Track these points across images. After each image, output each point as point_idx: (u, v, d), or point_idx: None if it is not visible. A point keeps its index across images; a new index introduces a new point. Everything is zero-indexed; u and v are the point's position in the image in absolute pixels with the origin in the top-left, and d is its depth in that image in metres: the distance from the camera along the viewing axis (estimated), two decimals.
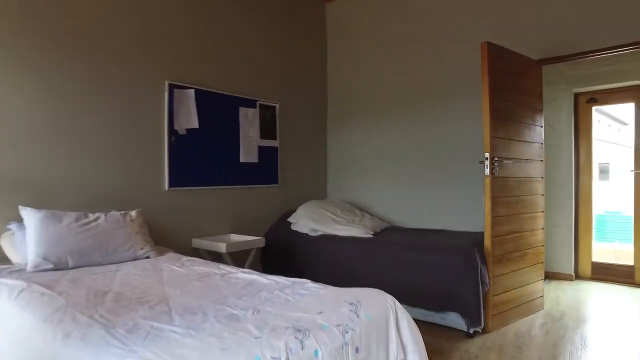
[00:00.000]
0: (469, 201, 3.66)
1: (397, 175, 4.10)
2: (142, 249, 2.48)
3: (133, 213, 2.65)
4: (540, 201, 3.31)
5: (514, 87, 3.05)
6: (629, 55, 3.72)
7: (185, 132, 3.17)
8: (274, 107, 3.94)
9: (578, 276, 4.22)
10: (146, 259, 2.44)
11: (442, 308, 2.78)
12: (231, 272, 2.08)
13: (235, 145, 3.56)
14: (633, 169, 4.16)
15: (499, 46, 2.95)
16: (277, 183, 3.96)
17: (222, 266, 2.24)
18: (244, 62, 3.69)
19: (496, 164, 2.87)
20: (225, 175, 3.47)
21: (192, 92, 3.20)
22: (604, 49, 3.16)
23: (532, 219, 3.21)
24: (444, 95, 3.82)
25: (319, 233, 3.58)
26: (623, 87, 4.17)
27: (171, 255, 2.56)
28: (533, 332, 2.77)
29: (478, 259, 2.72)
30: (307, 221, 3.63)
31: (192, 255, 2.70)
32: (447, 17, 3.83)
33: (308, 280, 1.89)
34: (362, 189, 4.32)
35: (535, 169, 3.26)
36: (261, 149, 3.79)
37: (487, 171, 2.85)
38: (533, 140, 3.23)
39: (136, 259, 2.42)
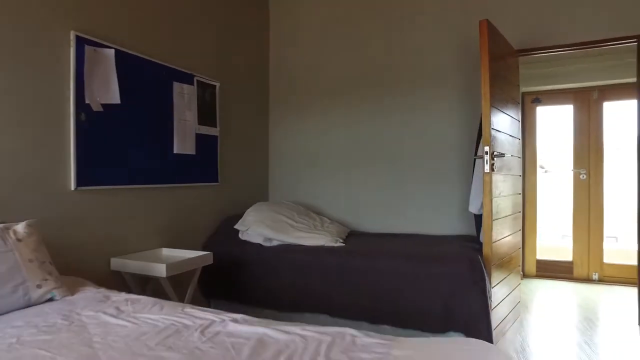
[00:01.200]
0: (442, 202, 3.35)
1: (356, 173, 3.60)
2: (39, 286, 1.56)
3: (20, 227, 1.69)
4: (519, 200, 3.11)
5: (502, 75, 2.77)
6: (569, 58, 3.78)
7: (101, 109, 2.23)
8: (214, 86, 3.13)
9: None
10: (49, 303, 1.53)
11: (445, 329, 2.34)
12: (214, 322, 1.32)
13: (168, 131, 2.69)
14: (572, 168, 4.29)
15: (495, 27, 2.63)
16: (217, 181, 3.16)
17: (188, 309, 1.46)
18: (180, 23, 2.83)
19: (495, 159, 2.54)
20: (155, 170, 2.59)
21: (111, 52, 2.27)
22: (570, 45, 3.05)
23: (515, 220, 2.98)
24: (415, 82, 3.43)
25: (276, 243, 2.91)
26: (564, 89, 4.29)
27: (91, 291, 1.67)
28: (534, 342, 2.51)
29: (484, 269, 2.35)
30: (260, 228, 2.92)
31: (112, 282, 1.85)
32: None
33: (351, 329, 1.24)
34: (313, 190, 3.74)
35: (516, 166, 3.04)
36: (199, 138, 2.96)
37: (487, 167, 2.51)
38: (515, 135, 3.01)
39: (30, 305, 1.50)
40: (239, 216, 3.15)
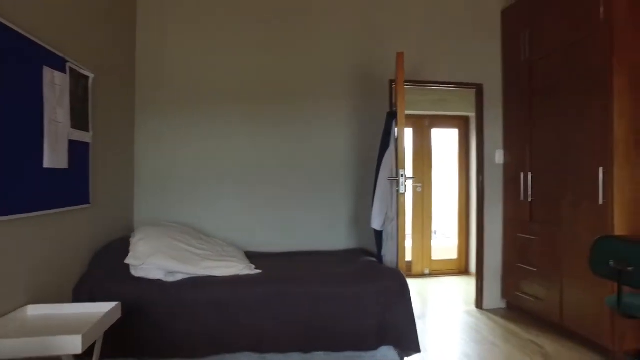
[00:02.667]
0: (332, 218, 3.44)
1: (244, 189, 3.34)
2: None
3: None
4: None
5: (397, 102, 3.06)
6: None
7: None
8: (87, 77, 2.40)
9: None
10: None
11: (378, 344, 2.42)
12: None
13: (35, 136, 1.91)
14: (412, 182, 5.06)
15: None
16: (88, 202, 2.42)
17: None
18: None
19: (406, 181, 2.78)
20: (17, 192, 1.79)
21: None
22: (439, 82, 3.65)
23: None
24: (305, 98, 3.42)
25: (180, 276, 2.43)
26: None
27: None
28: (458, 333, 2.87)
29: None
30: (161, 260, 2.38)
31: None
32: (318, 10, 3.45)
33: None
34: (193, 208, 3.27)
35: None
36: (72, 146, 2.21)
37: (402, 189, 2.73)
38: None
39: None
40: (113, 246, 2.50)
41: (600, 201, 2.58)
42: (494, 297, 3.67)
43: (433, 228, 5.13)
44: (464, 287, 4.47)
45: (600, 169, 2.58)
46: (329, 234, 3.45)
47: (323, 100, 3.43)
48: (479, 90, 3.68)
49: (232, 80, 3.32)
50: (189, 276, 2.43)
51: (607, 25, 2.56)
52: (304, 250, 3.38)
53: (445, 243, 5.20)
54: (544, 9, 3.15)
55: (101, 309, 1.86)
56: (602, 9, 2.60)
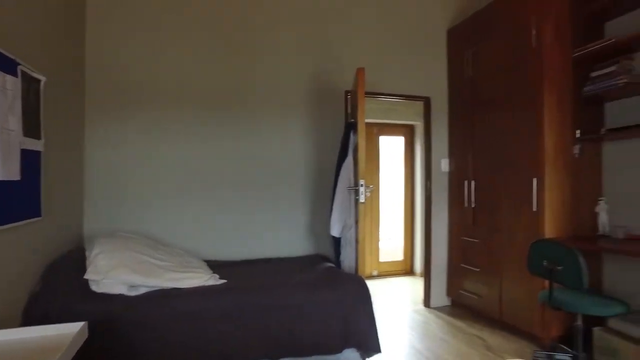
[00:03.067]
0: (290, 224, 3.51)
1: (199, 197, 3.30)
2: None
3: None
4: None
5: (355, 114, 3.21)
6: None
7: None
8: (39, 81, 2.26)
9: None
10: None
11: (342, 348, 2.53)
12: None
13: None
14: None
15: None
16: (39, 215, 2.28)
17: None
18: None
19: (366, 189, 2.93)
20: None
21: None
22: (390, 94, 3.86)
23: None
24: (265, 105, 3.46)
25: (144, 290, 2.38)
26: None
27: None
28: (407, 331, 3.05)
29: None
30: (124, 274, 2.31)
31: None
32: (269, 19, 3.49)
33: None
34: (144, 217, 3.18)
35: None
36: (23, 155, 2.09)
37: (363, 198, 2.87)
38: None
39: None
40: (66, 261, 2.39)
41: (534, 208, 2.90)
42: (440, 295, 3.95)
43: (381, 231, 5.37)
44: (410, 287, 4.74)
45: (534, 180, 2.90)
46: (287, 240, 3.51)
47: (281, 109, 3.49)
48: (427, 102, 3.94)
49: (187, 87, 3.27)
50: (152, 289, 2.38)
51: (538, 51, 2.89)
52: (264, 257, 3.41)
53: (392, 245, 5.46)
54: (484, 33, 3.47)
55: (64, 331, 1.76)
56: (533, 38, 2.93)
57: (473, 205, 3.57)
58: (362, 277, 2.72)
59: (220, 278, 2.66)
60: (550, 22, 2.89)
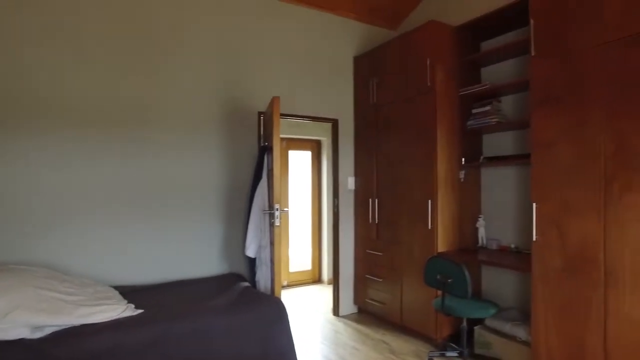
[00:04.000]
0: (202, 243, 3.50)
1: (106, 219, 3.13)
2: None
3: None
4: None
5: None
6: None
7: None
8: None
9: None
10: None
11: None
12: None
13: None
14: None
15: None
16: None
17: None
18: None
19: (280, 212, 3.07)
20: None
21: None
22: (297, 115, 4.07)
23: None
24: (180, 123, 3.40)
25: (49, 330, 2.22)
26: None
27: None
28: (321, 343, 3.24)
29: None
30: (24, 316, 2.12)
31: None
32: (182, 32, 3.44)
33: None
34: (42, 245, 2.92)
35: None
36: None
37: (277, 221, 3.00)
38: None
39: None
40: None
41: (429, 226, 3.34)
42: (348, 304, 4.27)
43: (290, 241, 5.56)
44: (319, 295, 5.01)
45: (429, 201, 3.34)
46: (202, 260, 3.49)
47: (194, 129, 3.46)
48: (335, 124, 4.23)
49: (92, 103, 3.07)
50: (60, 328, 2.23)
51: (432, 88, 3.33)
52: (179, 279, 3.35)
53: (300, 255, 5.68)
54: (387, 65, 3.85)
55: None
56: (429, 77, 3.37)
57: (376, 221, 3.95)
58: (279, 298, 2.85)
59: (136, 307, 2.58)
60: (442, 64, 3.35)
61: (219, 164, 3.57)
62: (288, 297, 4.94)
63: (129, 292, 2.91)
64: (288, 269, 5.51)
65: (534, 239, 2.57)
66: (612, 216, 2.20)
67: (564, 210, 2.42)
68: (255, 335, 2.59)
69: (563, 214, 2.43)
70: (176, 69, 3.39)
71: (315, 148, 5.77)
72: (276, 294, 2.95)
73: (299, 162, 5.67)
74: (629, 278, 2.13)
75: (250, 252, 3.29)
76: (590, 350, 2.29)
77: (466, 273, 2.67)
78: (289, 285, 5.48)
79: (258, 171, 3.40)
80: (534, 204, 2.57)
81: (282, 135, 5.35)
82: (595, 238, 2.27)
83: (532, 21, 2.60)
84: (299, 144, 5.63)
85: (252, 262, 3.44)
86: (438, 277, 2.87)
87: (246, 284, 3.22)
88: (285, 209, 3.30)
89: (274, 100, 3.00)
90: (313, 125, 5.41)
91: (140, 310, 2.54)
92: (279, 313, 2.72)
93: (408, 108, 3.59)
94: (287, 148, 5.53)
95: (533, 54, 2.59)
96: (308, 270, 5.68)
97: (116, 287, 2.98)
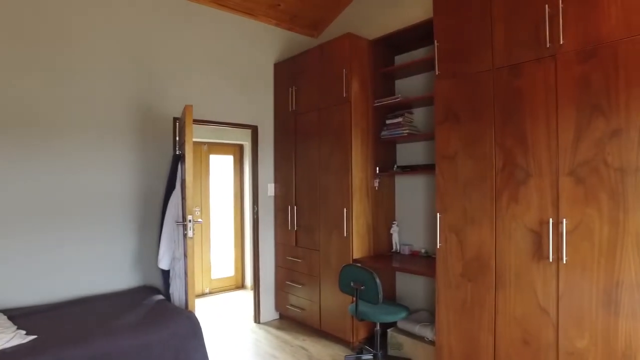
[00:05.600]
0: (113, 257, 3.28)
1: None
2: None
3: None
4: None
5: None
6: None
7: None
8: None
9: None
10: None
11: None
12: None
13: None
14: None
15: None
16: None
17: None
18: None
19: (194, 223, 2.97)
20: None
21: None
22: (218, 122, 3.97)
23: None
24: (89, 129, 3.14)
25: None
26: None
27: None
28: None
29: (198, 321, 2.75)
30: None
31: None
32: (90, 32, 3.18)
33: None
34: None
35: None
36: None
37: (191, 233, 2.90)
38: None
39: None
40: None
41: (345, 233, 3.43)
42: (269, 310, 4.26)
43: (212, 247, 5.41)
44: (242, 302, 4.94)
45: (344, 209, 3.44)
46: (112, 274, 3.27)
47: (103, 134, 3.22)
48: (255, 130, 4.19)
49: None
50: None
51: (348, 98, 3.43)
52: (85, 295, 3.11)
53: (223, 261, 5.56)
54: (305, 73, 3.90)
55: None
56: (344, 88, 3.46)
57: (295, 228, 3.98)
58: (193, 313, 2.76)
59: (28, 333, 2.34)
60: (358, 75, 3.46)
61: (132, 171, 3.37)
62: (209, 305, 4.81)
63: (19, 316, 2.64)
64: (210, 276, 5.36)
65: (438, 246, 2.76)
66: (501, 225, 2.43)
67: (464, 219, 2.62)
68: (167, 354, 2.48)
69: (463, 223, 2.63)
70: (83, 72, 3.13)
71: (238, 152, 5.67)
72: (190, 308, 2.85)
73: (221, 167, 5.53)
74: (513, 280, 2.37)
75: (164, 264, 3.15)
76: (484, 347, 2.51)
77: (377, 280, 2.79)
78: (211, 293, 5.34)
79: (172, 180, 3.26)
80: (438, 214, 2.76)
81: (203, 140, 5.19)
82: (488, 245, 2.50)
83: (435, 42, 2.78)
84: (221, 148, 5.49)
85: (166, 275, 3.29)
86: (352, 284, 2.96)
87: (160, 297, 3.08)
88: (199, 220, 3.19)
89: (186, 109, 2.89)
90: (235, 130, 5.31)
91: (32, 337, 2.32)
92: (193, 328, 2.64)
93: (325, 117, 3.66)
94: (209, 152, 5.37)
95: (437, 73, 2.77)
96: (231, 277, 5.57)
97: (4, 311, 2.68)
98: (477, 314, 2.55)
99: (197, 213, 5.24)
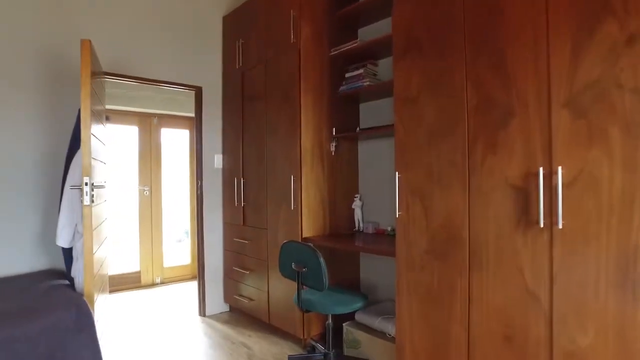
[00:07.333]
0: (11, 234, 2.67)
1: None
2: None
3: None
4: (107, 224, 3.00)
5: (96, 96, 2.60)
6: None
7: None
8: None
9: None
10: None
11: None
12: None
13: None
14: (138, 185, 4.58)
15: (93, 47, 2.43)
16: None
17: None
18: None
19: (95, 190, 2.36)
20: None
21: None
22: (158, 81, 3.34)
23: (104, 245, 2.86)
24: None
25: None
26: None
27: None
28: None
29: (91, 310, 2.15)
30: None
31: None
32: None
33: None
34: None
35: (107, 191, 2.92)
36: None
37: (87, 200, 2.28)
38: (106, 159, 2.88)
39: None
40: None
41: (292, 207, 2.83)
42: (217, 302, 3.65)
43: (164, 233, 4.79)
44: (195, 293, 4.33)
45: (292, 177, 2.83)
46: (9, 255, 2.67)
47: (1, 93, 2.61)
48: (198, 92, 3.57)
49: None
50: None
51: (296, 46, 2.82)
52: None
53: (178, 248, 4.95)
54: (251, 23, 3.27)
55: None
56: (292, 34, 2.84)
57: (243, 204, 3.37)
58: (83, 299, 2.16)
59: None
60: (310, 19, 2.85)
61: (37, 134, 2.76)
62: (158, 296, 4.20)
63: None
64: (162, 264, 4.74)
65: (397, 214, 2.16)
66: (476, 184, 1.84)
67: (429, 180, 2.03)
68: (37, 351, 1.89)
69: (428, 184, 2.03)
70: None
71: (193, 126, 5.03)
72: (87, 294, 2.24)
73: (175, 142, 4.91)
74: (492, 258, 1.78)
75: (62, 240, 2.53)
76: (454, 342, 1.92)
77: (320, 260, 2.19)
78: (163, 283, 4.72)
79: (75, 139, 2.64)
80: (397, 173, 2.16)
81: (151, 110, 4.56)
82: (460, 212, 1.90)
83: None
84: (174, 121, 4.86)
85: (68, 255, 2.68)
86: (293, 265, 2.36)
87: (61, 282, 2.50)
88: (103, 185, 2.57)
89: (82, 45, 2.27)
90: (188, 100, 4.67)
91: None
92: (78, 320, 2.05)
93: (272, 70, 3.05)
94: (160, 125, 4.74)
95: None
96: (187, 265, 4.95)
97: None
98: (446, 302, 1.96)
99: (147, 193, 4.62)
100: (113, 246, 4.45)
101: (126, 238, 4.56)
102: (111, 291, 4.33)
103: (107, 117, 4.30)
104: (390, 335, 2.45)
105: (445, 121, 1.95)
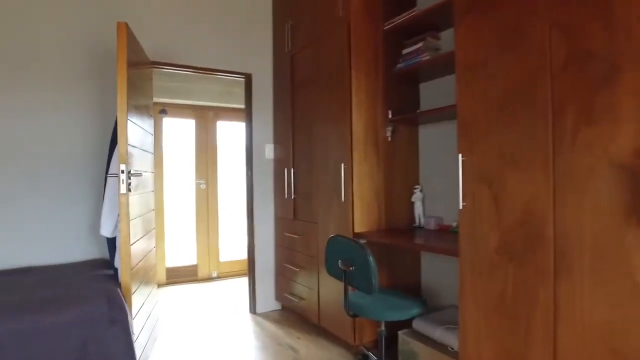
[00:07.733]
0: (67, 224, 2.74)
1: None
2: None
3: None
4: (153, 216, 2.96)
5: (138, 86, 2.53)
6: (193, 77, 4.12)
7: None
8: None
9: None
10: None
11: None
12: None
13: None
14: (194, 179, 4.59)
15: (133, 33, 2.36)
16: None
17: None
18: None
19: (132, 178, 2.27)
20: None
21: None
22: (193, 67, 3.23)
23: (149, 238, 2.80)
24: (31, 78, 2.59)
25: None
26: (187, 105, 4.55)
27: None
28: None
29: (124, 301, 2.05)
30: None
31: None
32: None
33: None
34: None
35: (151, 182, 2.87)
36: None
37: (124, 188, 2.20)
38: (150, 149, 2.83)
39: None
40: None
41: (342, 198, 2.55)
42: (268, 299, 3.49)
43: (221, 227, 4.76)
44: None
45: (342, 166, 2.55)
46: (64, 243, 2.73)
47: (55, 81, 2.66)
48: (248, 80, 3.42)
49: None
50: None
51: (345, 22, 2.53)
52: (29, 265, 2.60)
53: (234, 242, 4.90)
54: (300, 3, 3.04)
55: None
56: (340, 6, 2.56)
57: (293, 197, 3.16)
58: (118, 291, 2.07)
59: None
60: None
61: (91, 126, 2.80)
62: (213, 291, 4.16)
63: None
64: (218, 259, 4.72)
65: (461, 206, 1.79)
66: (564, 165, 1.42)
67: (501, 162, 1.64)
68: (69, 341, 1.84)
69: (498, 167, 1.65)
70: (32, 13, 2.57)
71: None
72: (123, 286, 2.16)
73: (232, 135, 4.86)
74: (589, 261, 1.36)
75: (105, 230, 2.50)
76: None
77: (370, 258, 1.89)
78: (219, 277, 4.70)
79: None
80: (460, 156, 1.79)
81: (209, 104, 4.54)
82: (541, 202, 1.50)
83: None
84: (230, 114, 4.81)
85: (112, 245, 2.65)
86: (339, 263, 2.09)
87: (107, 272, 2.48)
88: (140, 172, 2.48)
89: (119, 28, 2.19)
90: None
91: None
92: (109, 313, 1.96)
93: (319, 51, 2.79)
94: (216, 118, 4.72)
95: None
96: (243, 260, 4.88)
97: None
98: (523, 316, 1.57)
99: (203, 187, 4.62)
100: (172, 239, 4.50)
101: (184, 231, 4.58)
102: (168, 283, 4.37)
103: (165, 110, 4.35)
104: (453, 349, 2.08)
105: (520, 87, 1.55)
